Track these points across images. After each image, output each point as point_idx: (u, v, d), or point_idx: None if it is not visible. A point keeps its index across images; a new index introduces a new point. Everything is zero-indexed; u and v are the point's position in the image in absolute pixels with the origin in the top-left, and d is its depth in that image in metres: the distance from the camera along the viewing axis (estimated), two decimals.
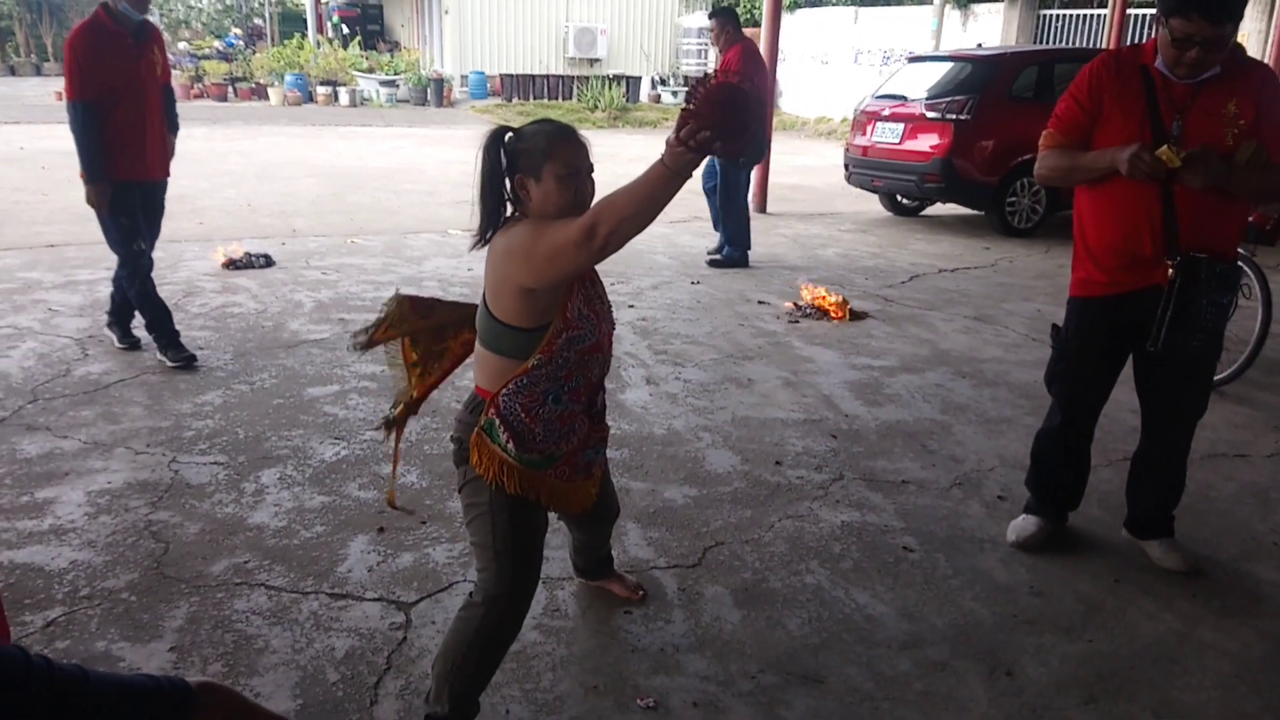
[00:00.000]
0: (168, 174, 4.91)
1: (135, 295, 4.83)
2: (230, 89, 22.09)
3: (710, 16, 7.15)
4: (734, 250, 7.56)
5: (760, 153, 7.47)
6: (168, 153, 4.87)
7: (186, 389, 4.50)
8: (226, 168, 11.81)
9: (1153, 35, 2.91)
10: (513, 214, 2.15)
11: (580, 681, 2.53)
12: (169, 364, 4.76)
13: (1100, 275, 3.04)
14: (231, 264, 6.88)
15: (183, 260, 6.99)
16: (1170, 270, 2.86)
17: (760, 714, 2.43)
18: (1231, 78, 2.83)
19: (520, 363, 2.11)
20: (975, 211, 9.55)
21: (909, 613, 2.88)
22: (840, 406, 4.56)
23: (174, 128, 4.97)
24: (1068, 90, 3.03)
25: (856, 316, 6.10)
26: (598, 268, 2.18)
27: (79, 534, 3.17)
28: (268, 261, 7.05)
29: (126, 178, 4.60)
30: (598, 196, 2.02)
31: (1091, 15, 15.26)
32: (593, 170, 2.12)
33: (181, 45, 25.33)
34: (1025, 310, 6.41)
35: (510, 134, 2.13)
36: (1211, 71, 2.79)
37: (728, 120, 1.78)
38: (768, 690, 2.52)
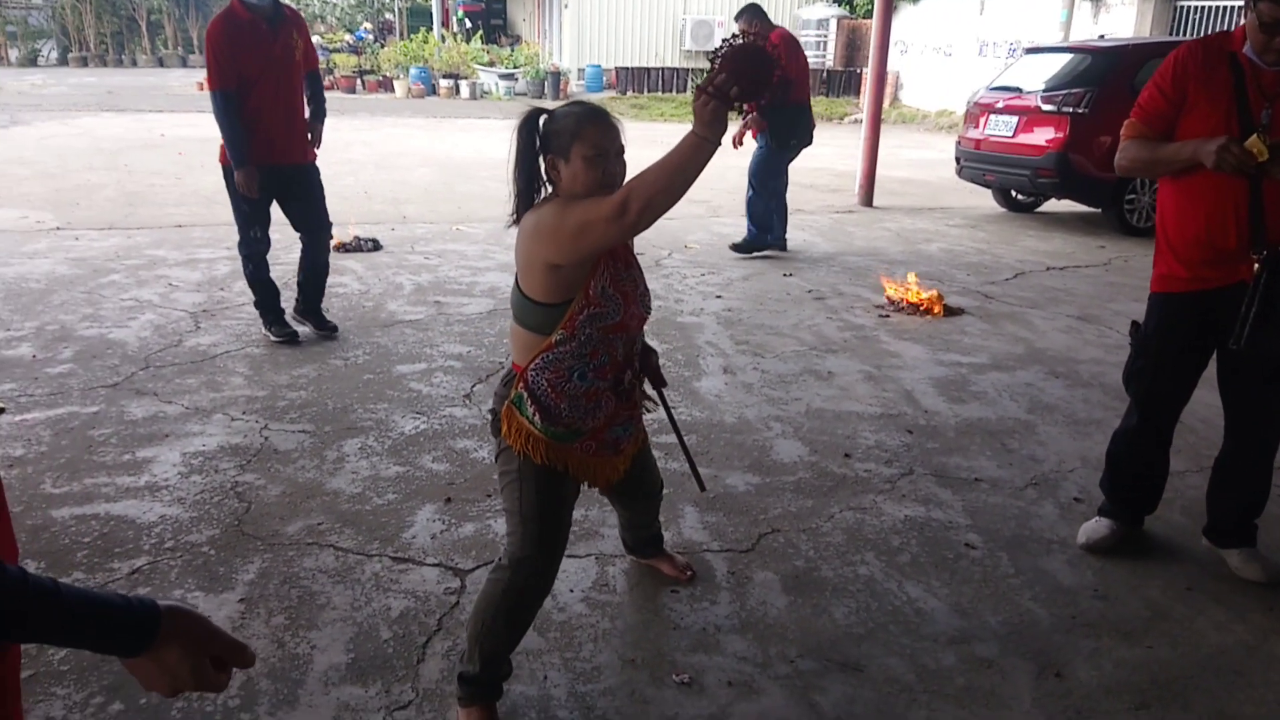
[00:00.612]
0: (311, 158, 4.95)
1: (248, 275, 5.03)
2: (359, 81, 22.96)
3: (737, 18, 7.11)
4: (758, 233, 7.49)
5: (805, 137, 7.40)
6: (311, 137, 4.95)
7: (285, 362, 4.75)
8: (349, 156, 12.29)
9: (1241, 22, 2.79)
10: (547, 195, 2.21)
11: (619, 654, 2.59)
12: (272, 339, 5.02)
13: (1182, 270, 2.92)
14: (342, 247, 7.19)
15: (298, 243, 7.32)
16: (1256, 266, 2.73)
17: (794, 697, 2.44)
18: None
19: (544, 338, 2.18)
20: (1093, 209, 9.19)
21: (962, 609, 2.84)
22: (921, 402, 4.48)
23: (320, 114, 5.05)
24: (1151, 79, 2.92)
25: (951, 312, 5.97)
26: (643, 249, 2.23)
27: (171, 491, 3.40)
28: (376, 245, 7.34)
29: (258, 161, 4.71)
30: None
31: (1231, 7, 14.44)
32: (623, 152, 2.16)
33: (314, 39, 26.44)
34: (1134, 311, 6.12)
35: (544, 116, 2.20)
36: (1271, 66, 2.66)
37: (744, 68, 1.88)
38: (804, 675, 2.52)
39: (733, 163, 13.46)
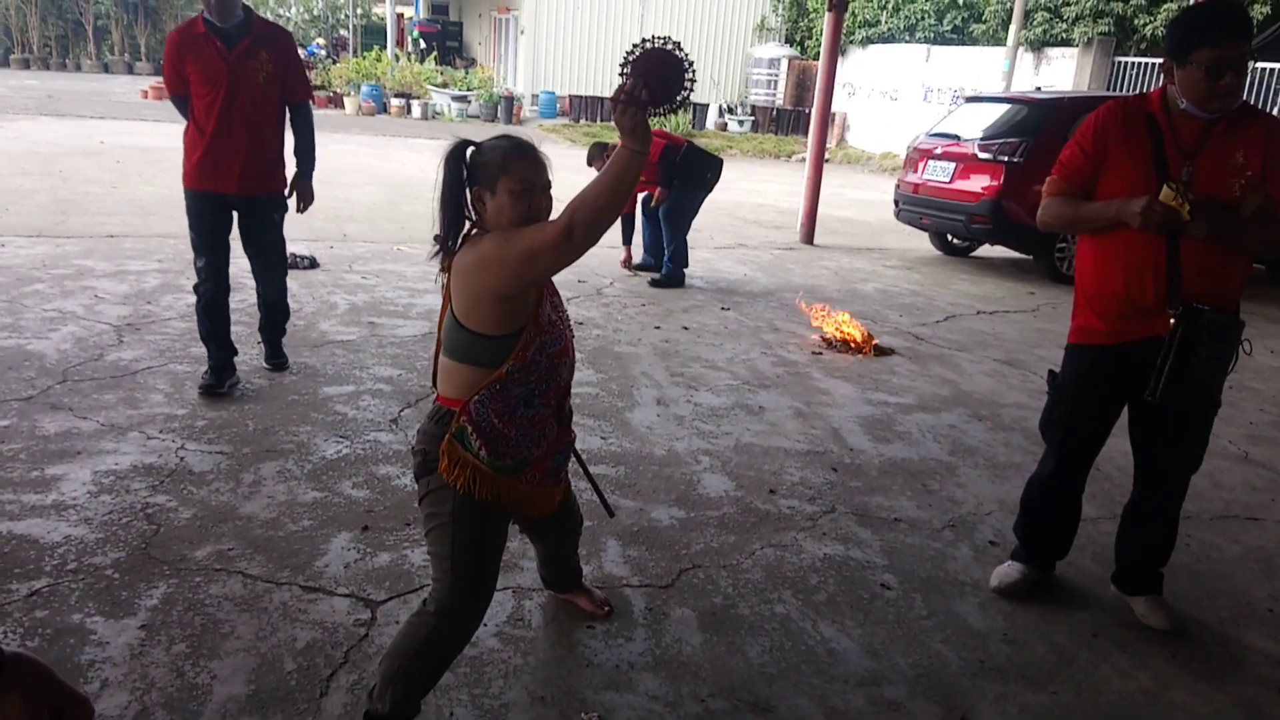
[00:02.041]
0: (268, 191, 4.48)
1: (197, 310, 4.56)
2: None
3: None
4: (676, 270, 7.63)
5: (716, 170, 7.65)
6: (271, 169, 4.46)
7: None
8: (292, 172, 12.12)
9: (1158, 85, 2.88)
10: (470, 229, 2.20)
11: (529, 691, 2.55)
12: (200, 382, 4.50)
13: (1100, 324, 2.99)
14: None
15: (231, 258, 7.19)
16: (1172, 320, 2.80)
17: None
18: (1238, 128, 2.78)
19: (492, 370, 2.16)
20: (1025, 256, 9.42)
21: (874, 650, 2.85)
22: (847, 440, 4.52)
23: (303, 149, 4.63)
24: (1073, 138, 3.00)
25: (882, 352, 6.05)
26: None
27: (78, 510, 3.29)
28: (312, 263, 7.23)
29: (195, 186, 4.37)
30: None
31: None
32: (549, 187, 2.16)
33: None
34: (1058, 357, 6.16)
35: (472, 147, 2.19)
36: (1227, 109, 2.74)
37: (653, 72, 1.92)
38: (714, 715, 2.51)
39: None
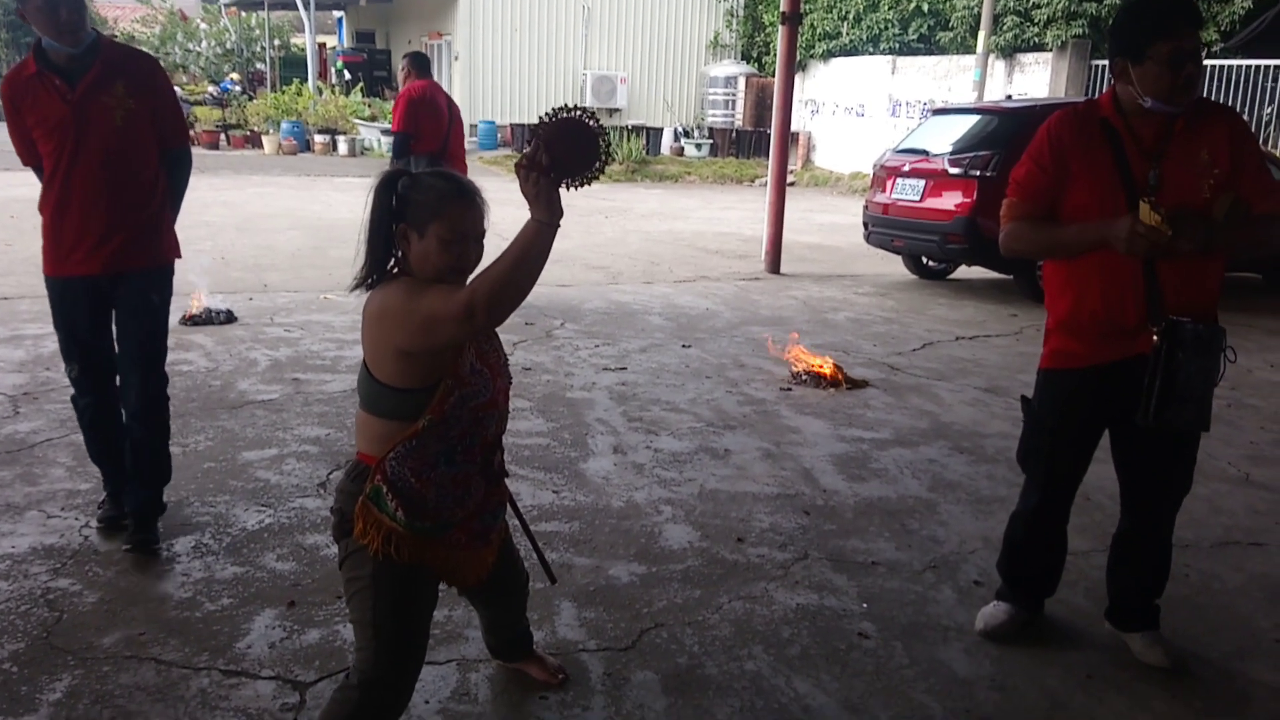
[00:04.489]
0: (145, 264, 3.67)
1: (80, 423, 3.86)
2: (223, 136, 22.76)
3: (403, 59, 8.45)
4: None
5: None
6: (145, 234, 3.66)
7: None
8: (206, 219, 12.10)
9: (1108, 87, 3.00)
10: (391, 265, 2.23)
11: None
12: (97, 513, 3.85)
13: (1077, 346, 3.05)
14: (190, 320, 7.05)
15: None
16: (1155, 337, 2.86)
17: None
18: (1198, 124, 2.90)
19: (408, 424, 2.17)
20: (1004, 276, 9.61)
21: (852, 705, 2.88)
22: (819, 481, 4.58)
23: (171, 202, 3.80)
24: (1025, 154, 3.08)
25: (856, 385, 6.14)
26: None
27: None
28: (229, 317, 7.22)
29: (54, 271, 3.64)
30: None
31: None
32: (482, 236, 2.19)
33: (175, 91, 26.22)
34: None
35: (405, 179, 2.22)
36: (1189, 100, 2.85)
37: (562, 140, 1.98)
38: None
39: (633, 227, 13.64)
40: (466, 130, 23.61)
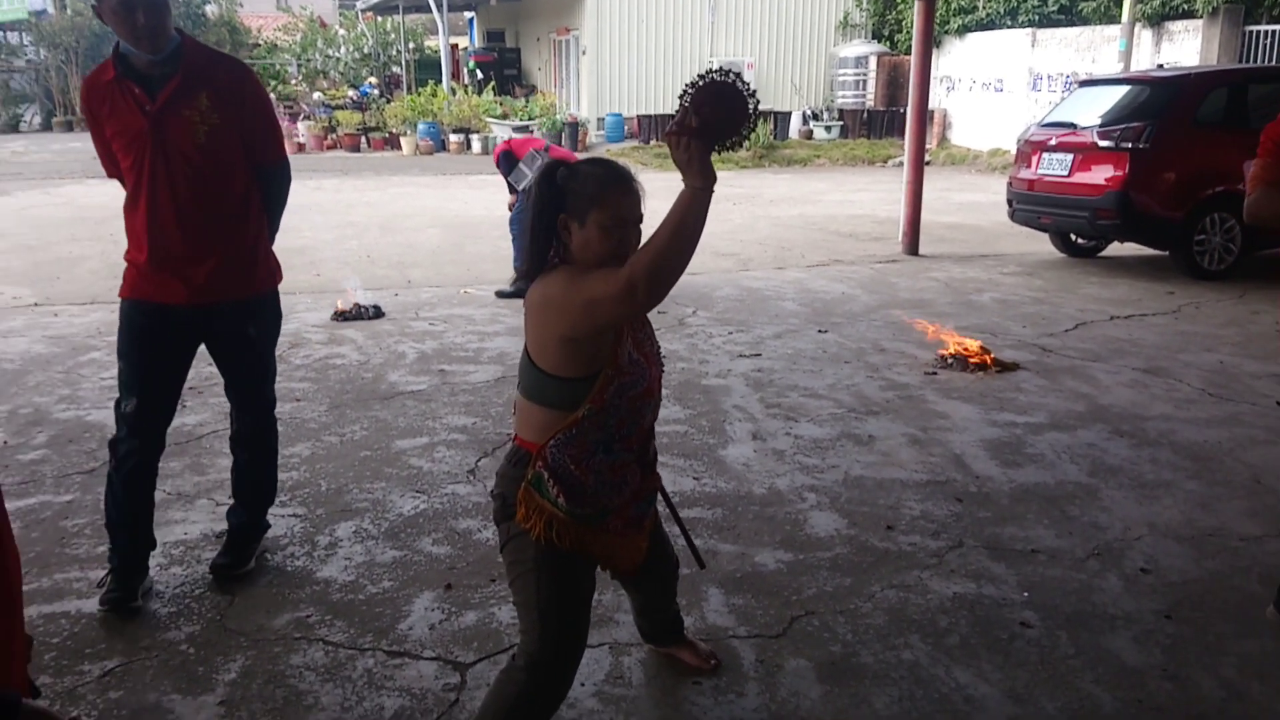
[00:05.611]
0: (240, 295, 3.37)
1: (111, 475, 3.36)
2: (364, 139, 23.51)
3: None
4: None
5: None
6: (238, 263, 3.35)
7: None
8: (351, 219, 12.55)
9: None
10: (552, 256, 2.24)
11: None
12: (101, 594, 3.31)
13: None
14: (341, 315, 7.33)
15: (294, 312, 7.47)
16: None
17: None
18: None
19: (568, 413, 2.20)
20: (1159, 252, 9.18)
21: (1016, 695, 2.80)
22: (971, 467, 4.46)
23: (269, 222, 3.50)
24: None
25: (1006, 368, 5.96)
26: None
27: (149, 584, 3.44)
28: (377, 313, 7.46)
29: (129, 294, 3.35)
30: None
31: None
32: (641, 220, 2.20)
33: (316, 96, 27.19)
34: (1205, 362, 6.11)
35: (563, 170, 2.24)
36: None
37: (709, 103, 1.98)
38: None
39: (762, 212, 13.54)
40: (594, 124, 23.99)
